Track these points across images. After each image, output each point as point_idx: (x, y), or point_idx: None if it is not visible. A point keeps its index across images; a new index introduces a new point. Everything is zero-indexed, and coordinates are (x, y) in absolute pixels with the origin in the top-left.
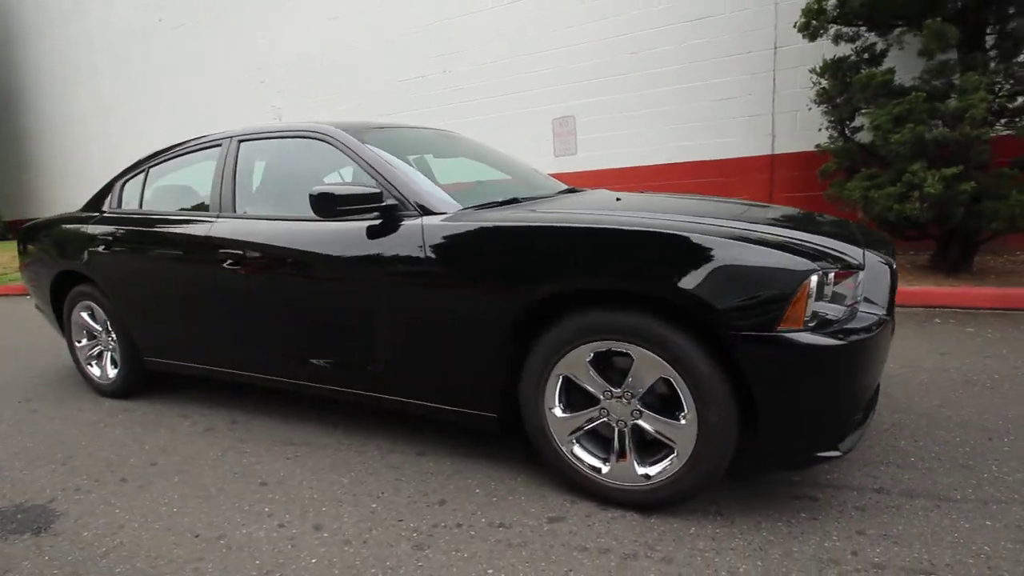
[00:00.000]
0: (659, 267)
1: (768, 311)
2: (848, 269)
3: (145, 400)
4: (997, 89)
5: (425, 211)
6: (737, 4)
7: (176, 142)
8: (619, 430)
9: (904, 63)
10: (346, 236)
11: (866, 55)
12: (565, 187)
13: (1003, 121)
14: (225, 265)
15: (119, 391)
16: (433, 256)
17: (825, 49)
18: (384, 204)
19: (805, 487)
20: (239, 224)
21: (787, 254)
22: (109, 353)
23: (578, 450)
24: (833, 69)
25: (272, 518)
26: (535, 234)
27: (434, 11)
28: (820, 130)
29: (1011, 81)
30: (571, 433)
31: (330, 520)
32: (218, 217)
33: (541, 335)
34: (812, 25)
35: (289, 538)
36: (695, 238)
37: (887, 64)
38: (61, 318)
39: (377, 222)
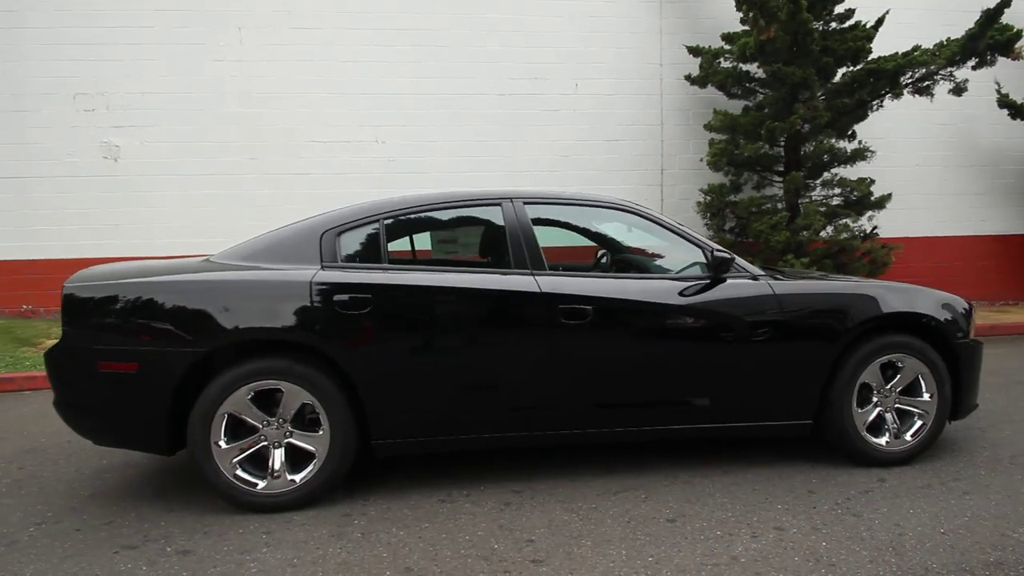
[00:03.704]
0: (931, 306)
1: (964, 326)
2: None
3: (338, 504)
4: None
5: (747, 273)
6: (636, 135)
7: (412, 197)
8: (890, 415)
9: (748, 191)
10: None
11: (733, 185)
12: None
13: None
14: (565, 320)
15: (298, 500)
16: (783, 307)
17: (695, 174)
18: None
19: (953, 432)
20: (581, 281)
21: (956, 296)
22: (281, 450)
23: (867, 435)
24: (717, 191)
25: (724, 541)
26: (852, 291)
27: (368, 85)
28: (706, 228)
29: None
30: (864, 424)
31: (785, 525)
32: (535, 273)
33: (848, 355)
34: (718, 163)
35: (780, 542)
36: (935, 292)
37: (744, 191)
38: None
39: (706, 280)
